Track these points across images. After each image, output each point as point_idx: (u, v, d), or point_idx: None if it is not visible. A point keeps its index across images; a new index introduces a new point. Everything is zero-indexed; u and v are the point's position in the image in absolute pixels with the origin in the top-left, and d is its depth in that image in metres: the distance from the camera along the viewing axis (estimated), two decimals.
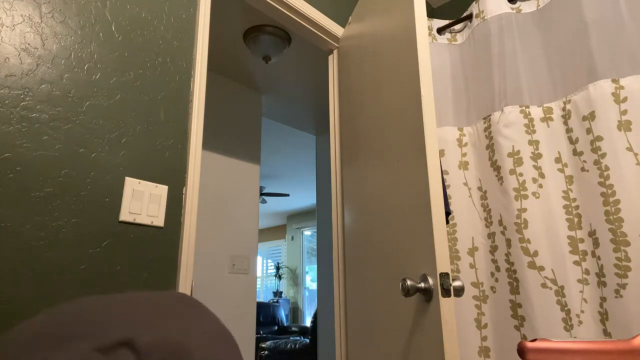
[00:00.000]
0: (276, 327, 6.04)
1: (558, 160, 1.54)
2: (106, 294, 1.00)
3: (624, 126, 1.38)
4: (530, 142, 1.57)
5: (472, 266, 1.65)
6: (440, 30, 1.93)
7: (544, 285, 1.42)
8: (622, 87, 1.40)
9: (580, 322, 1.38)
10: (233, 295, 2.68)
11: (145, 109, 1.15)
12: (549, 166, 1.54)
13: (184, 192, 1.21)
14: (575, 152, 1.49)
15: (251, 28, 2.42)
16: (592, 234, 1.41)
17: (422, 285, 1.03)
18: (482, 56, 1.75)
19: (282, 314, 6.23)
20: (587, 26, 1.49)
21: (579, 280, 1.42)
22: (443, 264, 1.01)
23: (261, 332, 5.77)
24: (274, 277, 7.42)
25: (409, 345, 1.11)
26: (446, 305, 0.99)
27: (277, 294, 6.83)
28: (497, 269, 1.58)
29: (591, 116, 1.43)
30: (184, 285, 1.14)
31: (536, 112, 1.60)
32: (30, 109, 0.96)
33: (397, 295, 1.14)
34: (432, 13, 2.41)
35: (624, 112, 1.38)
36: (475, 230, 1.68)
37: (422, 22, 1.21)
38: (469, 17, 1.86)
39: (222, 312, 2.62)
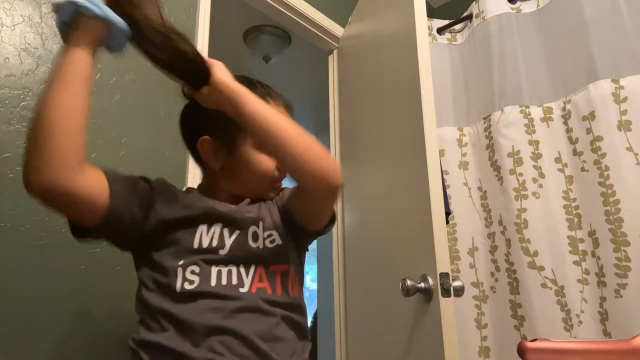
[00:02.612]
0: None
1: (558, 160, 1.54)
2: (106, 294, 1.00)
3: (624, 126, 1.37)
4: (530, 142, 1.56)
5: (472, 266, 1.65)
6: (440, 30, 1.93)
7: (544, 285, 1.42)
8: (622, 87, 1.40)
9: (580, 322, 1.38)
10: None
11: (145, 109, 1.15)
12: (549, 166, 1.54)
13: None
14: (575, 152, 1.49)
15: (251, 28, 2.41)
16: (592, 234, 1.41)
17: (422, 285, 1.03)
18: (482, 56, 1.75)
19: None
20: (587, 26, 1.49)
21: (579, 280, 1.42)
22: (443, 264, 1.01)
23: None
24: None
25: (409, 345, 1.11)
26: (446, 305, 0.99)
27: None
28: (497, 269, 1.58)
29: (591, 116, 1.43)
30: None
31: (536, 112, 1.60)
32: (30, 109, 0.96)
33: (397, 295, 1.14)
34: (432, 13, 2.41)
35: (624, 112, 1.38)
36: (475, 230, 1.68)
37: (422, 22, 1.21)
38: (469, 17, 1.86)
39: None
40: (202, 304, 0.61)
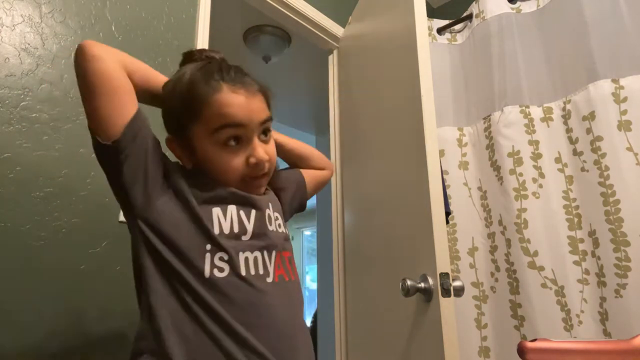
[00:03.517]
0: None
1: (558, 160, 1.54)
2: (106, 294, 1.00)
3: (624, 126, 1.37)
4: (530, 142, 1.57)
5: (472, 266, 1.65)
6: (440, 30, 1.93)
7: (544, 285, 1.42)
8: (622, 87, 1.40)
9: (580, 322, 1.38)
10: None
11: (145, 109, 1.15)
12: (549, 166, 1.54)
13: None
14: (575, 152, 1.49)
15: (251, 28, 2.41)
16: (592, 234, 1.41)
17: (422, 285, 1.03)
18: (482, 56, 1.75)
19: None
20: (587, 26, 1.49)
21: (579, 280, 1.42)
22: (443, 264, 1.01)
23: None
24: None
25: (409, 345, 1.11)
26: (446, 305, 0.99)
27: None
28: (497, 269, 1.58)
29: (591, 116, 1.43)
30: None
31: (536, 112, 1.60)
32: (30, 109, 0.96)
33: (397, 295, 1.14)
34: (432, 13, 2.41)
35: (624, 112, 1.38)
36: (475, 230, 1.68)
37: (422, 22, 1.21)
38: (469, 17, 1.86)
39: None
40: (235, 296, 0.59)
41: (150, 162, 0.62)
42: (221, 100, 0.62)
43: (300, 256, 6.73)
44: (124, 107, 0.60)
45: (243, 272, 0.61)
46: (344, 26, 1.91)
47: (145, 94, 0.68)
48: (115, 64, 0.60)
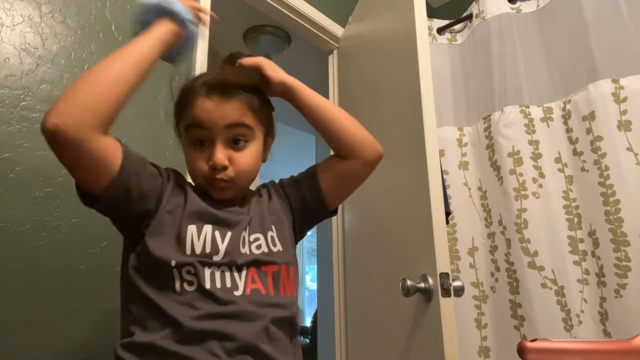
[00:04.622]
0: None
1: (558, 160, 1.54)
2: (106, 294, 1.00)
3: (624, 126, 1.37)
4: (530, 142, 1.56)
5: (472, 266, 1.65)
6: (440, 31, 1.93)
7: (544, 285, 1.42)
8: (622, 87, 1.40)
9: (580, 322, 1.38)
10: None
11: (145, 109, 1.15)
12: (549, 166, 1.54)
13: None
14: (575, 152, 1.49)
15: (251, 28, 2.41)
16: (592, 234, 1.41)
17: (422, 285, 1.03)
18: (482, 56, 1.75)
19: None
20: (587, 26, 1.49)
21: (579, 280, 1.42)
22: (443, 264, 1.01)
23: None
24: None
25: (409, 345, 1.11)
26: (446, 305, 0.99)
27: None
28: (497, 269, 1.58)
29: (591, 116, 1.43)
30: None
31: (536, 112, 1.60)
32: (30, 109, 0.96)
33: (397, 295, 1.14)
34: (432, 13, 2.41)
35: (624, 112, 1.38)
36: (475, 230, 1.68)
37: (422, 23, 1.21)
38: (469, 17, 1.86)
39: None
40: (199, 307, 0.60)
41: (144, 204, 0.63)
42: (194, 102, 0.68)
43: (301, 256, 6.73)
44: (105, 168, 0.59)
45: (208, 286, 0.61)
46: (344, 26, 1.91)
47: (153, 57, 0.64)
48: (93, 138, 0.56)
